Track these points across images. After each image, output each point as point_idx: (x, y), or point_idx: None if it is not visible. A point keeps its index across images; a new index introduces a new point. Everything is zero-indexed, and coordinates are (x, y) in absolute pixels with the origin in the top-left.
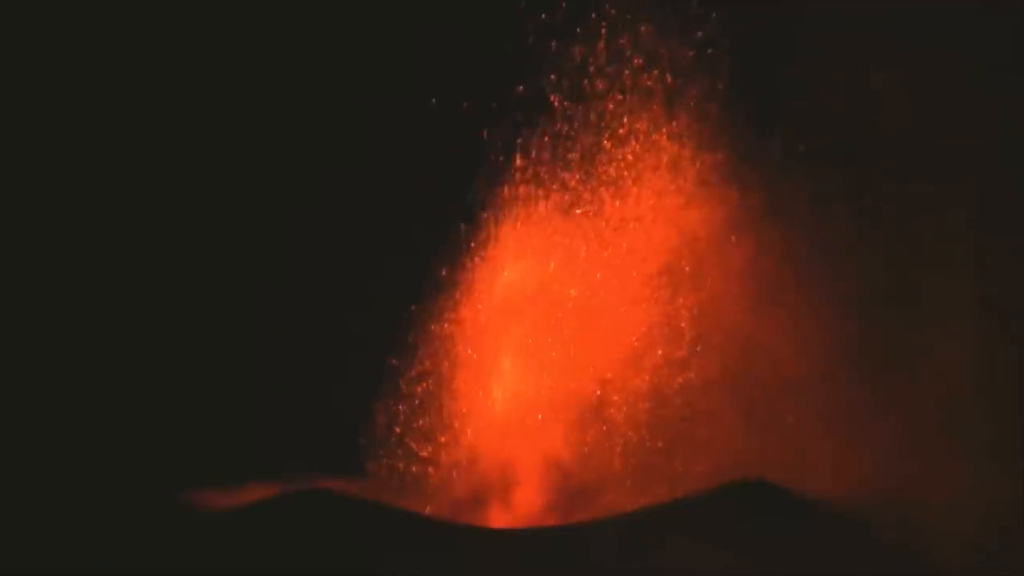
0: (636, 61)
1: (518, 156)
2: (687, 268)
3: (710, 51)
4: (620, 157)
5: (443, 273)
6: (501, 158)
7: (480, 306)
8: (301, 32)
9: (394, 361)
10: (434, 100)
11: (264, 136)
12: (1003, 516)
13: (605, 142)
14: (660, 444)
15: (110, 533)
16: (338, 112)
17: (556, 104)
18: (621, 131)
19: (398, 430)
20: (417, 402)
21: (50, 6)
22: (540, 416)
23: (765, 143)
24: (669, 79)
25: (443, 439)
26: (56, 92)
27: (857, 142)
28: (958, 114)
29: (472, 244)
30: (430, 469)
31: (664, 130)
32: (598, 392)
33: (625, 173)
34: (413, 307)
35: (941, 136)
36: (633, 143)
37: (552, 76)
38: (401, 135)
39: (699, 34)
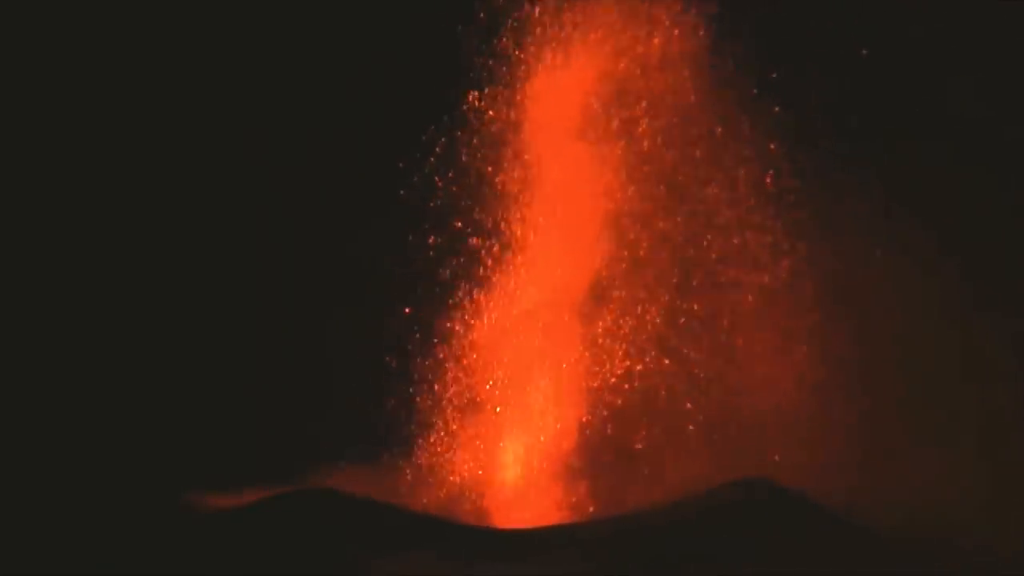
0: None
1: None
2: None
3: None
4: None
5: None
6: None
7: (490, 305)
8: (300, 31)
9: (395, 361)
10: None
11: (263, 135)
12: (1006, 517)
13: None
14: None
15: (110, 533)
16: (356, 111)
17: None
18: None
19: (399, 429)
20: (418, 402)
21: (50, 6)
22: (547, 415)
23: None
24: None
25: (446, 438)
26: (55, 93)
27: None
28: None
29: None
30: (430, 468)
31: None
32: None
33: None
34: (416, 306)
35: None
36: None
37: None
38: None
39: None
